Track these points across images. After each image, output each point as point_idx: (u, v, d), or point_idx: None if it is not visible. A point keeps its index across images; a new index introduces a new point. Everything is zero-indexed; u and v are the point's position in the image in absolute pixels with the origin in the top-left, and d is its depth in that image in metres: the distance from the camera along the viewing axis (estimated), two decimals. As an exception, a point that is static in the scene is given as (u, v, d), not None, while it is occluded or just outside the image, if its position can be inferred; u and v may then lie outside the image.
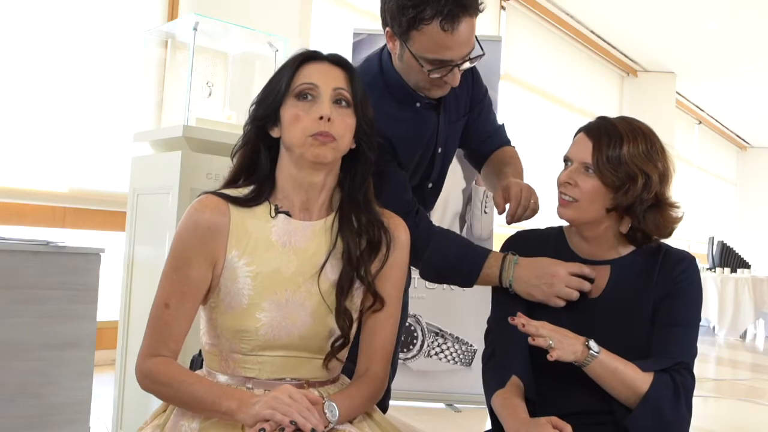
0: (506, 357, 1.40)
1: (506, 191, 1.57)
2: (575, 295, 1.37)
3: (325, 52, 1.28)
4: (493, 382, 1.38)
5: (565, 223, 1.51)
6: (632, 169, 1.33)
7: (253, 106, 1.27)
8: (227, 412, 1.11)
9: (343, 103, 1.23)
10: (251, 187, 1.26)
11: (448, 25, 1.39)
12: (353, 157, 1.28)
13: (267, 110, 1.24)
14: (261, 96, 1.26)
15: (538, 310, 1.42)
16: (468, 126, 1.76)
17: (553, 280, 1.37)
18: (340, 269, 1.24)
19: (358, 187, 1.28)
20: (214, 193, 1.24)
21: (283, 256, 1.22)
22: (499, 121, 1.88)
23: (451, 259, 1.51)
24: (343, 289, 1.23)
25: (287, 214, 1.24)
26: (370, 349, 1.27)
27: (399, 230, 1.32)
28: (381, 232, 1.28)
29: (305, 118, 1.20)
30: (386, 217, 1.32)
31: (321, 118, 1.19)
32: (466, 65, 1.48)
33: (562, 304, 1.38)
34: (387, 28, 1.49)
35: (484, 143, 1.80)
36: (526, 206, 1.55)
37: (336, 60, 1.26)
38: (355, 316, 1.26)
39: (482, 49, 1.48)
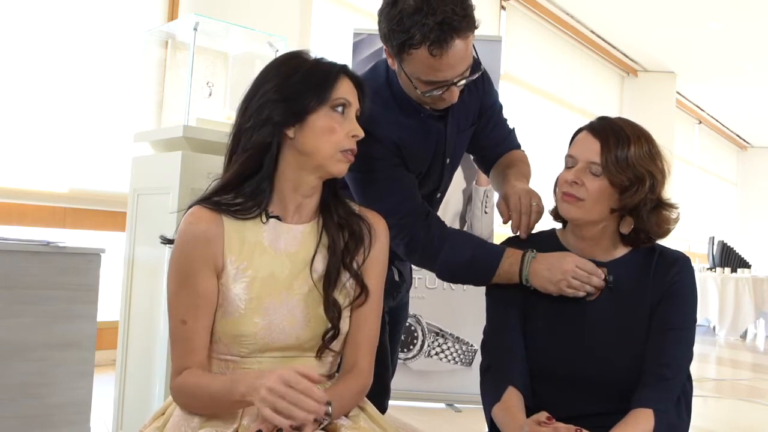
0: (503, 368, 1.40)
1: (506, 200, 1.54)
2: (580, 293, 1.37)
3: (330, 56, 1.29)
4: (491, 395, 1.38)
5: (557, 225, 1.51)
6: (639, 170, 1.32)
7: (269, 106, 1.21)
8: (241, 401, 1.09)
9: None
10: (243, 195, 1.24)
11: (437, 50, 1.34)
12: None
13: (293, 112, 1.21)
14: (281, 96, 1.21)
15: (533, 315, 1.42)
16: (478, 132, 1.73)
17: (562, 273, 1.36)
18: (327, 261, 1.26)
19: (334, 184, 1.32)
20: (204, 204, 1.24)
21: (277, 260, 1.23)
22: (510, 126, 1.82)
23: (467, 258, 1.49)
24: (330, 279, 1.24)
25: (278, 218, 1.25)
26: (355, 343, 1.28)
27: (378, 225, 1.33)
28: (360, 223, 1.31)
29: (339, 131, 1.23)
30: (364, 211, 1.34)
31: (353, 136, 1.24)
32: (463, 83, 1.44)
33: (572, 294, 1.37)
34: (385, 47, 1.46)
35: (495, 149, 1.76)
36: (527, 212, 1.49)
37: (358, 80, 1.29)
38: (345, 311, 1.26)
39: (481, 65, 1.45)
